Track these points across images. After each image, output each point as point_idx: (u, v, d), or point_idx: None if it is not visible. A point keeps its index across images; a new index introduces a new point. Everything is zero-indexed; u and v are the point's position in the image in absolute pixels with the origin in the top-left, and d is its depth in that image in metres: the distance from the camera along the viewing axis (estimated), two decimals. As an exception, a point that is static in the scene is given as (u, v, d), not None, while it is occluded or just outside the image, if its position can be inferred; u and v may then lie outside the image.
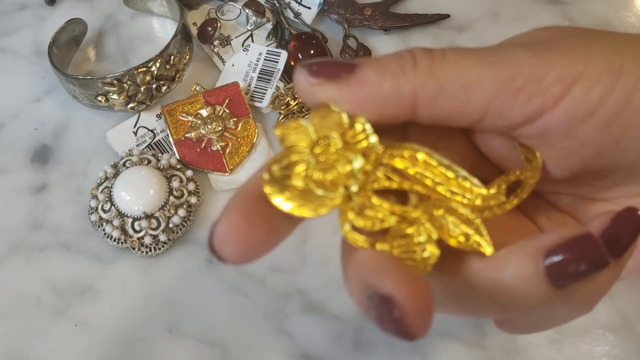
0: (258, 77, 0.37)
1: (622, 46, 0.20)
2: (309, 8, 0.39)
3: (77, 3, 0.40)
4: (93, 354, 0.30)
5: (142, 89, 0.34)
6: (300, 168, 0.18)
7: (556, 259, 0.17)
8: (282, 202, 0.17)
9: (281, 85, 0.37)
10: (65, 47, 0.37)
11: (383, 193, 0.19)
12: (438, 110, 0.19)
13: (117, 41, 0.39)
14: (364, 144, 0.18)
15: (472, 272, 0.18)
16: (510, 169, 0.21)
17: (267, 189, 0.18)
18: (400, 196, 0.19)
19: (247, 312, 0.31)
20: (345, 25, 0.38)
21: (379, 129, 0.19)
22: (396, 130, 0.21)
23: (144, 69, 0.34)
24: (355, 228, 0.18)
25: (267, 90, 0.37)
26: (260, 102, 0.36)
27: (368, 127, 0.18)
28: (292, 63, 0.37)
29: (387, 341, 0.30)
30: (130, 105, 0.35)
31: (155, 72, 0.34)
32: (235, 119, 0.35)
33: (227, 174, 0.35)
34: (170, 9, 0.38)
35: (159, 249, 0.32)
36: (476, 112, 0.19)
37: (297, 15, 0.39)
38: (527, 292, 0.17)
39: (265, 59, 0.37)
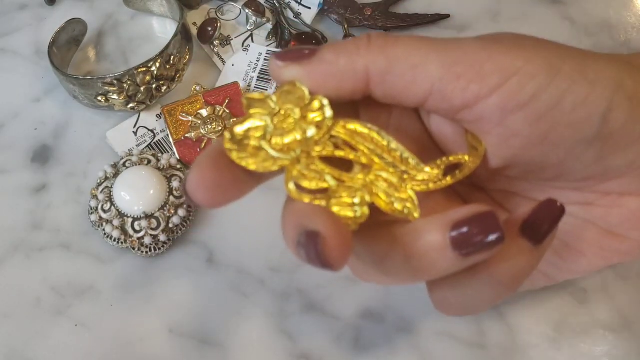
0: (258, 77, 0.37)
1: (567, 54, 0.21)
2: (309, 8, 0.39)
3: (77, 3, 0.40)
4: (93, 354, 0.30)
5: (142, 89, 0.34)
6: (258, 131, 0.21)
7: (461, 230, 0.19)
8: (238, 158, 0.20)
9: (281, 85, 0.37)
10: (65, 47, 0.37)
11: (333, 162, 0.21)
12: (388, 87, 0.21)
13: (117, 41, 0.39)
14: (319, 117, 0.21)
15: (393, 237, 0.21)
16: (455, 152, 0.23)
17: (228, 145, 0.20)
18: (347, 165, 0.22)
19: (247, 312, 0.31)
20: (345, 26, 0.38)
21: (337, 107, 0.21)
22: (350, 109, 0.24)
23: (144, 69, 0.34)
24: (298, 186, 0.21)
25: (267, 90, 0.37)
26: (260, 102, 0.36)
27: (326, 102, 0.21)
28: (292, 63, 0.37)
29: (386, 341, 0.30)
30: (130, 105, 0.35)
31: (155, 72, 0.34)
32: (235, 119, 0.35)
33: (227, 174, 0.34)
34: (170, 9, 0.38)
35: (159, 249, 0.32)
36: (422, 91, 0.21)
37: (297, 15, 0.39)
38: (436, 258, 0.20)
39: (265, 59, 0.37)
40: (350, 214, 0.20)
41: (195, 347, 0.30)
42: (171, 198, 0.32)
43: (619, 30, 0.39)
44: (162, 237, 0.32)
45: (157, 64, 0.34)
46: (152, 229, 0.31)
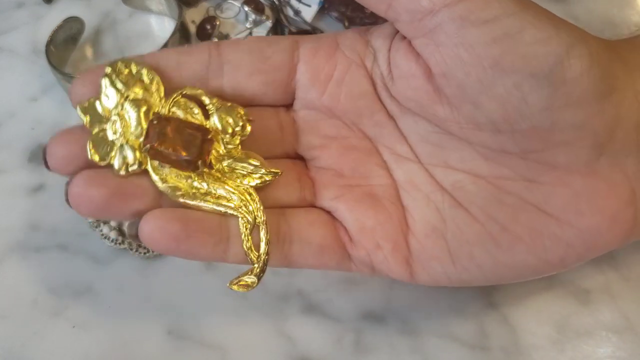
0: (257, 75, 0.37)
1: (537, 5, 0.22)
2: (309, 6, 0.39)
3: (74, 1, 0.40)
4: (91, 355, 0.30)
5: (140, 87, 0.34)
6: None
7: None
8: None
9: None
10: (63, 45, 0.37)
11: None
12: None
13: (115, 39, 0.39)
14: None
15: None
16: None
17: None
18: None
19: (246, 314, 0.31)
20: (346, 23, 0.38)
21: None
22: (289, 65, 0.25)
23: (142, 67, 0.33)
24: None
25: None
26: (260, 101, 0.36)
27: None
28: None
29: (387, 343, 0.30)
30: (128, 104, 0.34)
31: (154, 71, 0.34)
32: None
33: (226, 173, 0.34)
34: (169, 6, 0.38)
35: (157, 249, 0.32)
36: None
37: (297, 13, 0.38)
38: None
39: (264, 58, 0.37)
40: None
41: (194, 349, 0.30)
42: (169, 198, 0.32)
43: (622, 29, 0.38)
44: (161, 238, 0.31)
45: (156, 63, 0.34)
46: (150, 229, 0.31)
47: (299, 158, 0.27)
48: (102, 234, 0.32)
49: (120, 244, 0.31)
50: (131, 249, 0.31)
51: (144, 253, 0.31)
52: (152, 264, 0.32)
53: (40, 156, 0.24)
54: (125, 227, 0.31)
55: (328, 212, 0.26)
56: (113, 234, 0.31)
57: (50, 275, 0.32)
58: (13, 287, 0.32)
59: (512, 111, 0.22)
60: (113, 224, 0.31)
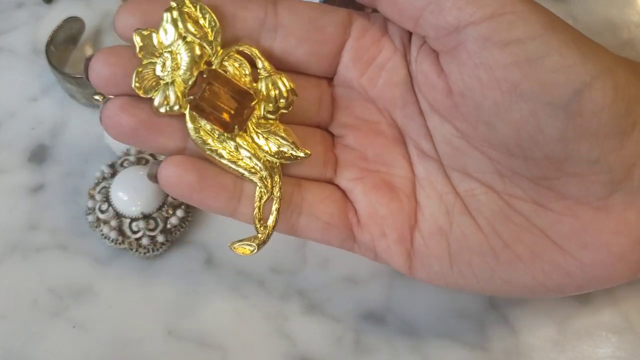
0: (257, 75, 0.37)
1: (569, 27, 0.22)
2: (309, 6, 0.39)
3: (74, 1, 0.40)
4: (91, 355, 0.30)
5: (140, 87, 0.34)
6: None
7: None
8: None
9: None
10: (63, 45, 0.37)
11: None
12: None
13: (115, 39, 0.38)
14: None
15: None
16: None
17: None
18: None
19: (247, 314, 0.31)
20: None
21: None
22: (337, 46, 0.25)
23: (142, 67, 0.33)
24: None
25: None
26: (260, 101, 0.36)
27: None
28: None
29: (388, 344, 0.30)
30: (128, 104, 0.34)
31: (154, 71, 0.34)
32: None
33: (226, 173, 0.34)
34: (169, 7, 0.38)
35: (157, 249, 0.32)
36: (419, 4, 0.22)
37: (297, 13, 0.38)
38: None
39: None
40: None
41: (194, 349, 0.30)
42: (169, 198, 0.32)
43: (622, 29, 0.38)
44: (160, 238, 0.31)
45: (156, 63, 0.34)
46: (149, 229, 0.31)
47: (328, 131, 0.27)
48: (102, 234, 0.32)
49: (120, 244, 0.31)
50: (131, 249, 0.31)
51: (144, 253, 0.31)
52: (152, 264, 0.32)
53: (83, 67, 0.23)
54: (125, 227, 0.31)
55: (342, 191, 0.26)
56: (113, 234, 0.31)
57: (50, 275, 0.32)
58: (13, 287, 0.32)
59: (526, 138, 0.22)
60: (113, 223, 0.31)
